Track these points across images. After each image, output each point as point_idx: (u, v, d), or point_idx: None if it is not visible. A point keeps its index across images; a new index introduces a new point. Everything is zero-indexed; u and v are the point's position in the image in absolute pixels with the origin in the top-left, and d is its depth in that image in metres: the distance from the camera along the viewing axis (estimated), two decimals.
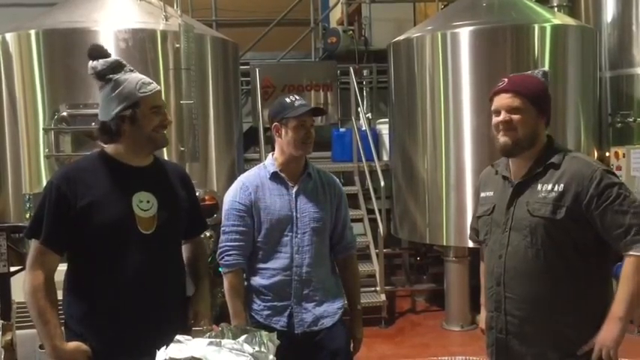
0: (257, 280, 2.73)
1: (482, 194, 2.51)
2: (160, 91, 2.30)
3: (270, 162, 2.77)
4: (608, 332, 2.19)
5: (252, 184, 2.72)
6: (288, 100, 2.70)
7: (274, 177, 2.73)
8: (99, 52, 2.26)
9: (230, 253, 2.69)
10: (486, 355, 2.49)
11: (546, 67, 5.37)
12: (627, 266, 2.17)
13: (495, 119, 2.32)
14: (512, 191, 2.33)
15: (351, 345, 2.83)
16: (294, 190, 2.73)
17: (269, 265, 2.70)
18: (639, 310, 2.30)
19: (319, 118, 7.36)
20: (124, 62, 2.28)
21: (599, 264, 2.29)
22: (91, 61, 2.26)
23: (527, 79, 2.36)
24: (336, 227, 2.83)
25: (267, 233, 2.69)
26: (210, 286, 2.58)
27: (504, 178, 2.40)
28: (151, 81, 2.29)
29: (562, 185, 2.22)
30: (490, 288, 2.39)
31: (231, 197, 2.74)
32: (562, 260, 2.24)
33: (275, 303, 2.69)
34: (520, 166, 2.35)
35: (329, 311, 2.74)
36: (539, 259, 2.24)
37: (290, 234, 2.69)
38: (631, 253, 2.16)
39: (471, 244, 4.34)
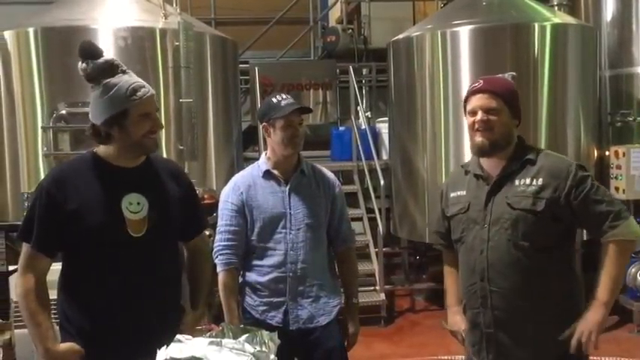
0: (252, 277, 2.74)
1: (453, 194, 2.50)
2: (152, 96, 2.21)
3: (263, 160, 2.79)
4: (592, 316, 2.26)
5: (244, 184, 2.74)
6: (274, 100, 2.71)
7: (267, 175, 2.75)
8: (89, 53, 2.18)
9: (224, 252, 2.71)
10: (471, 354, 2.48)
11: (545, 68, 5.44)
12: (609, 251, 2.27)
13: (471, 119, 2.35)
14: (489, 188, 2.36)
15: (346, 340, 2.81)
16: (287, 187, 2.74)
17: (264, 262, 2.71)
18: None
19: (319, 116, 7.38)
20: (117, 63, 2.20)
21: (567, 253, 2.40)
22: (80, 62, 2.19)
23: (501, 81, 2.41)
24: (332, 221, 2.84)
25: (261, 231, 2.71)
26: (210, 288, 2.57)
27: (477, 177, 2.42)
28: (143, 84, 2.19)
29: (540, 179, 2.28)
30: (473, 285, 2.39)
31: (224, 197, 2.77)
32: (540, 250, 2.29)
33: (271, 299, 2.71)
34: (494, 165, 2.38)
35: (325, 309, 2.74)
36: (521, 251, 2.29)
37: (284, 231, 2.69)
38: (610, 239, 2.27)
39: None
